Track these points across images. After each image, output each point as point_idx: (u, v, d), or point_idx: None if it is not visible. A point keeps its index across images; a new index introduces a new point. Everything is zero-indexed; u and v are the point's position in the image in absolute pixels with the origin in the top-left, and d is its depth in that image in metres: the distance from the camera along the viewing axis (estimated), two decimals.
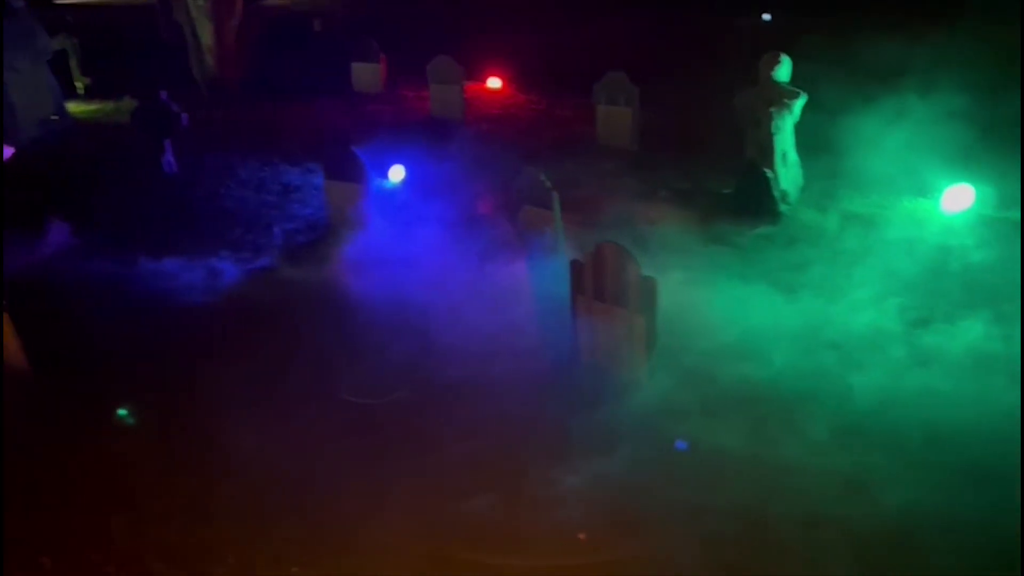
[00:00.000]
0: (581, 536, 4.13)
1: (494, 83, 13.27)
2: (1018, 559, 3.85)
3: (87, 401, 5.37)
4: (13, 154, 10.13)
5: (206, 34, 13.84)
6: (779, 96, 7.63)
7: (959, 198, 7.38)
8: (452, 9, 16.53)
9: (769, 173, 7.72)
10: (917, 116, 8.20)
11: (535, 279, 6.42)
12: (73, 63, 14.31)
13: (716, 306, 6.11)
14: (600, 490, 4.41)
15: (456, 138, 10.38)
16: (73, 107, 12.91)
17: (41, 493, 4.60)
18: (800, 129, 7.90)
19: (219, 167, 9.98)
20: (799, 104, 7.60)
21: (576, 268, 5.52)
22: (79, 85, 14.29)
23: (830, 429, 4.76)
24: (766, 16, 14.43)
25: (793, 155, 7.89)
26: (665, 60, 12.69)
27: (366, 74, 13.49)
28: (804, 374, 5.27)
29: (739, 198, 7.89)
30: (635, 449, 4.67)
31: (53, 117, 11.74)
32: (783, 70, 7.59)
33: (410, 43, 14.37)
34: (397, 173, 9.01)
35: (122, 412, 5.20)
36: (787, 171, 7.84)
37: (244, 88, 13.89)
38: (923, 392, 5.02)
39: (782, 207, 7.76)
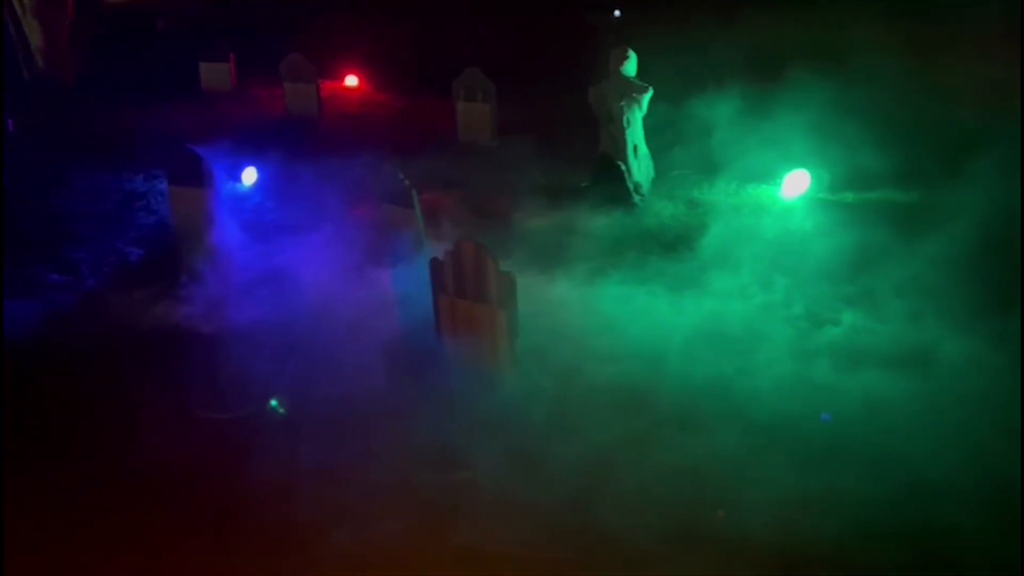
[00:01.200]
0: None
1: (351, 81, 13.02)
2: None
3: None
4: None
5: (34, 34, 12.87)
6: (628, 90, 7.85)
7: (796, 184, 7.82)
8: (304, 6, 16.08)
9: (622, 166, 7.93)
10: (758, 105, 8.65)
11: (397, 279, 6.32)
12: None
13: (576, 299, 6.22)
14: (471, 488, 4.38)
15: (312, 138, 10.11)
16: None
17: None
18: (650, 121, 8.15)
19: (52, 176, 9.27)
20: (647, 98, 7.85)
21: (436, 267, 5.48)
22: None
23: (699, 420, 4.80)
24: (616, 12, 14.84)
25: (644, 147, 8.14)
26: (520, 56, 12.82)
27: (215, 73, 12.92)
28: (665, 364, 5.33)
29: (595, 191, 8.06)
30: (508, 446, 4.66)
31: None
32: (630, 65, 7.81)
33: (261, 41, 13.87)
34: (249, 176, 8.67)
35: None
36: (639, 163, 8.08)
37: (79, 90, 12.99)
38: (781, 377, 5.14)
39: (636, 199, 7.99)
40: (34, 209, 8.40)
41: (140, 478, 4.52)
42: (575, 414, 4.88)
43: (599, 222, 7.64)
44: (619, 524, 4.09)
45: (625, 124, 7.94)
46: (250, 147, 9.38)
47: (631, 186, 8.03)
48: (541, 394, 5.06)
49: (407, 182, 6.60)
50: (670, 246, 7.07)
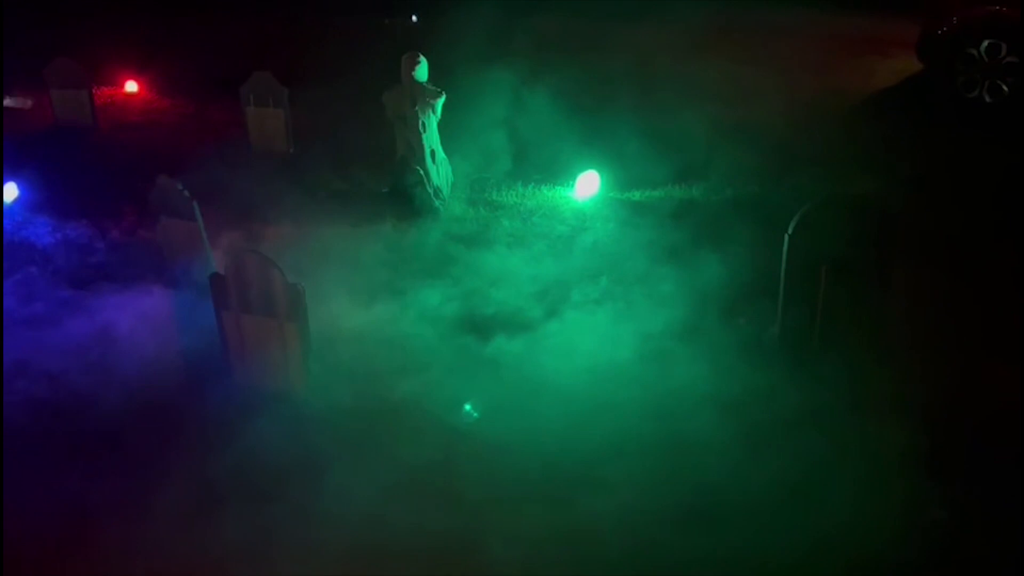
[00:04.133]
0: None
1: (131, 87, 12.10)
2: None
3: None
4: None
5: None
6: (421, 95, 7.82)
7: (588, 185, 8.12)
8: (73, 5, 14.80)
9: (421, 170, 7.89)
10: (555, 112, 8.92)
11: (178, 298, 5.91)
12: None
13: (376, 307, 6.09)
14: (259, 510, 4.16)
15: (85, 150, 9.29)
16: None
17: None
18: (448, 127, 8.17)
19: None
20: (440, 103, 7.85)
21: (218, 282, 5.17)
22: None
23: (499, 438, 4.73)
24: (414, 17, 14.81)
25: (441, 152, 8.14)
26: (314, 60, 12.45)
27: None
28: (465, 376, 5.29)
29: (395, 197, 7.97)
30: (300, 465, 4.47)
31: None
32: (421, 70, 7.77)
33: (22, 43, 12.62)
34: (9, 192, 7.83)
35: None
36: (437, 168, 8.07)
37: None
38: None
39: (437, 203, 7.97)
40: None
41: None
42: (367, 436, 4.74)
43: (400, 229, 7.56)
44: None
45: (421, 129, 7.89)
46: (11, 161, 8.48)
47: (431, 191, 8.00)
48: (331, 409, 4.89)
49: (187, 193, 6.19)
50: (465, 250, 7.08)
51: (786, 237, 5.10)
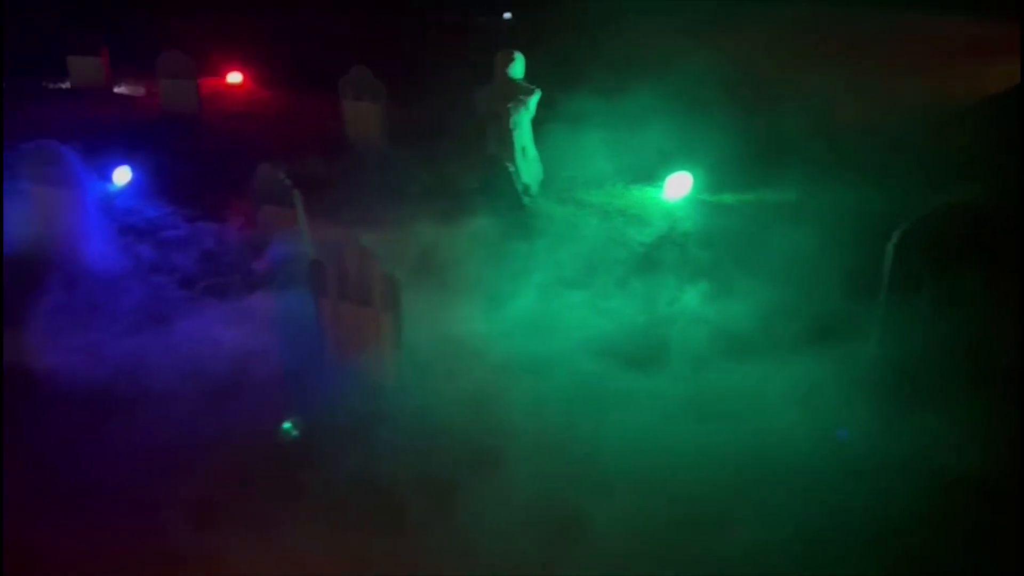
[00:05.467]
0: None
1: (235, 78, 12.57)
2: None
3: None
4: None
5: None
6: (515, 93, 7.89)
7: (679, 186, 8.04)
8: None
9: (511, 167, 7.96)
10: (647, 112, 8.86)
11: (279, 283, 6.13)
12: None
13: (465, 302, 6.17)
14: (357, 491, 4.29)
15: (191, 137, 9.69)
16: None
17: None
18: (541, 125, 8.22)
19: None
20: (534, 100, 7.92)
21: (317, 269, 5.34)
22: None
23: (586, 423, 4.76)
24: (507, 15, 14.90)
25: (532, 149, 8.20)
26: (411, 56, 12.69)
27: (86, 68, 12.21)
28: (555, 366, 5.32)
29: (484, 193, 8.05)
30: (390, 449, 4.58)
31: None
32: (517, 67, 7.85)
33: (137, 34, 13.23)
34: (123, 175, 8.25)
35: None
36: (527, 165, 8.13)
37: None
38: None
39: (525, 200, 8.02)
40: None
41: None
42: (454, 418, 4.82)
43: (489, 224, 7.61)
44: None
45: (512, 126, 7.98)
46: (123, 146, 8.93)
47: (520, 188, 8.06)
48: (420, 397, 4.99)
49: (288, 182, 6.41)
50: (556, 246, 7.10)
51: (889, 248, 4.94)
